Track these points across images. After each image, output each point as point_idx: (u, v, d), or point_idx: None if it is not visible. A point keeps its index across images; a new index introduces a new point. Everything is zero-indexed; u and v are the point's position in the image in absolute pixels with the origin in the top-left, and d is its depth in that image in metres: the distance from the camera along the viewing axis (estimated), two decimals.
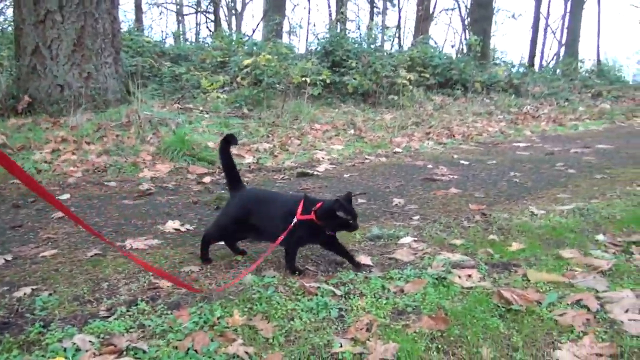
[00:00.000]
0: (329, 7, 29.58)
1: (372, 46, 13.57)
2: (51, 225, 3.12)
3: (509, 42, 54.21)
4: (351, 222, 2.30)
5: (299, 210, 2.33)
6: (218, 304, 1.97)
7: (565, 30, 24.95)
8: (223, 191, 4.14)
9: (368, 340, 1.75)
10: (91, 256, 2.57)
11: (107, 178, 4.44)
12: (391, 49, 21.17)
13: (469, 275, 2.35)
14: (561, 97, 12.64)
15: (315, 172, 4.93)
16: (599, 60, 25.56)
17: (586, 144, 6.80)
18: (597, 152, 6.19)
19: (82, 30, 6.21)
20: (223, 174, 2.67)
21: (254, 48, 11.38)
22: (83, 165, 4.71)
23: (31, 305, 1.98)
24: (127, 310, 1.91)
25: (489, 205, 3.75)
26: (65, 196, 3.83)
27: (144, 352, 1.63)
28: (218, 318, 1.86)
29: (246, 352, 1.64)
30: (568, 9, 24.45)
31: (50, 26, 6.06)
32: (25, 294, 2.09)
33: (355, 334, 1.79)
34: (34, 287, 2.16)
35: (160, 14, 35.62)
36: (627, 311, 2.09)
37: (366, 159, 5.68)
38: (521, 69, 16.33)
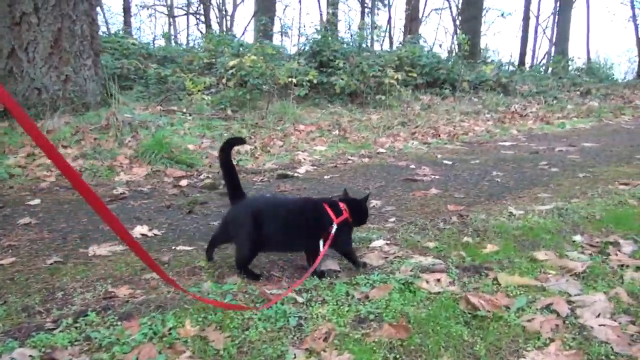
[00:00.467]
0: (320, 7, 29.57)
1: (363, 46, 13.53)
2: (15, 232, 3.03)
3: (502, 41, 54.30)
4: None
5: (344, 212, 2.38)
6: (172, 313, 1.89)
7: (555, 29, 25.01)
8: (198, 194, 4.06)
9: (323, 350, 1.68)
10: (50, 264, 2.48)
11: None
12: (381, 48, 21.16)
13: (438, 280, 2.28)
14: (550, 96, 12.62)
15: (296, 174, 4.86)
16: (589, 59, 25.66)
17: (572, 143, 6.76)
18: (582, 151, 6.14)
19: (59, 33, 6.10)
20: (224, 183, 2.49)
21: (240, 49, 11.30)
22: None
23: None
24: (75, 322, 1.82)
25: (467, 205, 3.69)
26: (36, 201, 3.74)
27: None
28: (170, 329, 1.78)
29: None
30: (557, 8, 24.49)
31: (26, 28, 5.94)
32: None
33: (311, 344, 1.72)
34: None
35: (149, 15, 35.43)
36: (598, 316, 2.03)
37: (349, 159, 5.61)
38: (510, 68, 16.32)
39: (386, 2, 30.15)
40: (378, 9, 31.10)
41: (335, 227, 2.28)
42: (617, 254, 2.68)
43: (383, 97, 10.41)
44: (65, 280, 2.28)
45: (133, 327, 1.77)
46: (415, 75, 11.71)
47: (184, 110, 7.81)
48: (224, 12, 29.41)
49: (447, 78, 12.59)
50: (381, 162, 5.55)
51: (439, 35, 48.27)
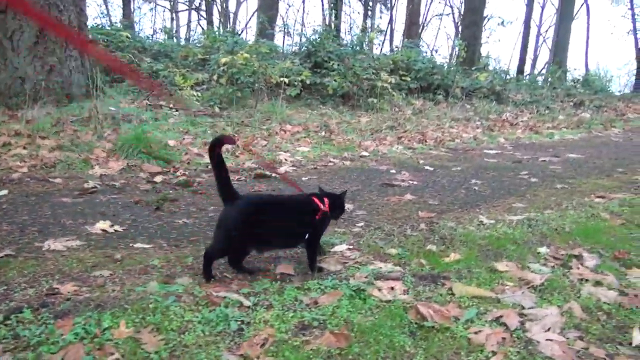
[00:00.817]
0: (323, 8, 29.57)
1: (357, 48, 13.51)
2: None
3: (505, 50, 54.47)
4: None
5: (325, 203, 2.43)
6: (109, 313, 1.84)
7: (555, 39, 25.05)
8: (171, 191, 4.01)
9: (257, 357, 1.64)
10: (0, 257, 2.43)
11: (54, 174, 4.29)
12: (381, 52, 21.16)
13: (392, 288, 2.25)
14: (542, 105, 12.62)
15: (274, 174, 4.81)
16: (587, 70, 25.74)
17: (556, 153, 6.74)
18: (566, 162, 6.12)
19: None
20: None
21: (235, 47, 11.25)
22: (32, 160, 4.55)
23: None
24: (6, 319, 1.77)
25: (439, 213, 3.65)
26: (3, 192, 3.68)
27: None
28: (104, 329, 1.73)
29: None
30: (558, 19, 24.53)
31: (11, 17, 5.90)
32: None
33: (247, 349, 1.68)
34: None
35: (151, 9, 35.31)
36: (547, 330, 2.00)
37: (330, 161, 5.57)
38: (506, 77, 16.31)
39: (388, 5, 30.22)
40: (381, 12, 31.17)
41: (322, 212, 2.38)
42: (579, 268, 2.65)
43: (375, 100, 10.39)
44: (11, 274, 2.23)
45: (66, 327, 1.73)
46: (408, 79, 11.69)
47: (171, 105, 7.75)
48: (226, 9, 29.35)
49: (441, 83, 12.59)
50: (362, 165, 5.51)
51: (440, 40, 48.44)
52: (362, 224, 3.31)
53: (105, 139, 5.27)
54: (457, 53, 17.54)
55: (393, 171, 5.20)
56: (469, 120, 9.81)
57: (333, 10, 20.77)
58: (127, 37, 12.00)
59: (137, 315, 1.84)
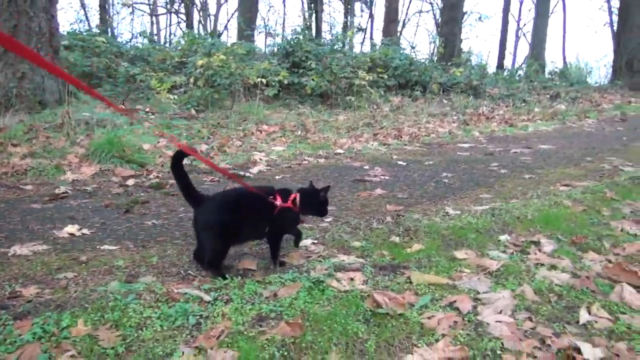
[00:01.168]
0: (303, 8, 29.65)
1: (335, 47, 13.59)
2: None
3: (487, 44, 54.98)
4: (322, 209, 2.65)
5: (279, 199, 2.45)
6: (68, 313, 1.88)
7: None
8: (143, 194, 4.04)
9: (212, 348, 1.68)
10: None
11: (25, 181, 4.29)
12: (361, 50, 21.26)
13: (352, 279, 2.31)
14: (518, 99, 12.80)
15: (248, 174, 4.86)
16: (564, 63, 26.11)
17: (529, 145, 6.87)
18: (536, 153, 6.25)
19: (15, 29, 6.03)
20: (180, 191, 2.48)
21: (212, 48, 11.25)
22: (2, 168, 4.54)
23: None
24: None
25: (407, 206, 3.73)
26: None
27: None
28: (62, 328, 1.77)
29: None
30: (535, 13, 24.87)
31: None
32: None
33: (202, 342, 1.72)
34: None
35: (130, 13, 35.06)
36: (500, 312, 2.07)
37: (305, 160, 5.63)
38: (484, 71, 16.50)
39: (368, 2, 30.34)
40: (362, 10, 31.29)
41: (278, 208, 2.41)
42: (536, 253, 2.74)
43: (352, 99, 10.47)
44: None
45: (25, 327, 1.76)
46: (385, 76, 11.79)
47: (147, 109, 7.75)
48: (207, 12, 29.23)
49: (418, 80, 12.72)
50: (337, 162, 5.58)
51: (421, 37, 48.73)
52: (330, 219, 3.37)
53: (79, 144, 5.27)
54: (436, 49, 17.76)
55: (366, 167, 5.27)
56: (446, 115, 9.93)
57: (312, 10, 20.85)
58: (103, 42, 11.95)
59: (96, 313, 1.87)
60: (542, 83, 15.81)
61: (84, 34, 13.28)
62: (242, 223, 2.38)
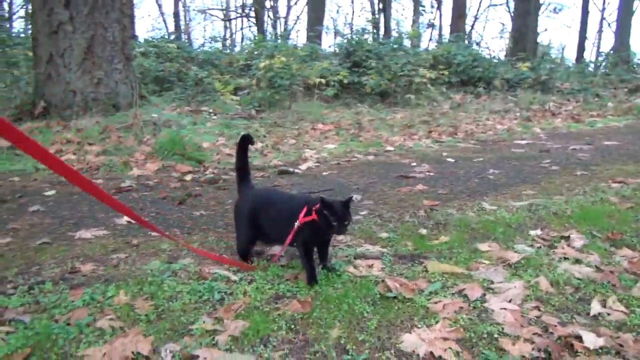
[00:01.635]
0: (372, 6, 29.75)
1: (397, 45, 13.59)
2: (23, 217, 3.43)
3: (568, 36, 52.18)
4: (334, 224, 2.18)
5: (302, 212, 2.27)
6: (114, 285, 2.17)
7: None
8: (197, 188, 4.37)
9: (228, 319, 1.90)
10: (39, 244, 2.84)
11: (97, 176, 4.77)
12: (428, 47, 21.02)
13: (370, 266, 2.45)
14: (591, 93, 12.19)
15: (296, 170, 5.08)
16: None
17: (591, 141, 6.61)
18: (597, 149, 6.01)
19: (92, 40, 6.64)
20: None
21: (274, 51, 11.67)
22: (79, 164, 5.07)
23: None
24: (31, 289, 2.14)
25: (445, 201, 3.79)
26: (52, 192, 4.16)
27: (24, 323, 1.85)
28: (107, 297, 2.06)
29: (111, 326, 1.83)
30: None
31: (62, 36, 6.52)
32: None
33: (221, 314, 1.95)
34: None
35: (205, 19, 36.70)
36: (510, 301, 2.14)
37: (354, 157, 5.78)
38: (555, 66, 15.80)
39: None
40: (432, 6, 30.90)
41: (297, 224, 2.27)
42: (563, 248, 2.74)
43: (412, 97, 10.47)
44: (45, 257, 2.62)
45: (77, 295, 2.07)
46: (446, 73, 11.66)
47: (211, 110, 8.22)
48: (277, 14, 30.04)
49: (482, 76, 12.47)
50: (385, 159, 5.68)
51: (494, 32, 47.24)
52: (365, 212, 3.51)
53: (145, 143, 5.74)
54: (507, 44, 17.24)
55: (414, 164, 5.34)
56: (508, 112, 9.70)
57: (380, 9, 20.88)
58: (175, 48, 12.73)
59: (136, 286, 2.16)
60: (620, 76, 14.90)
61: (158, 40, 14.21)
62: (267, 222, 2.44)
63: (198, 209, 3.68)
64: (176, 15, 22.11)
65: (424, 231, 3.01)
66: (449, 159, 5.58)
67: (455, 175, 4.77)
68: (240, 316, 1.93)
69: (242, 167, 2.70)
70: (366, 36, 14.15)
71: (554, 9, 26.65)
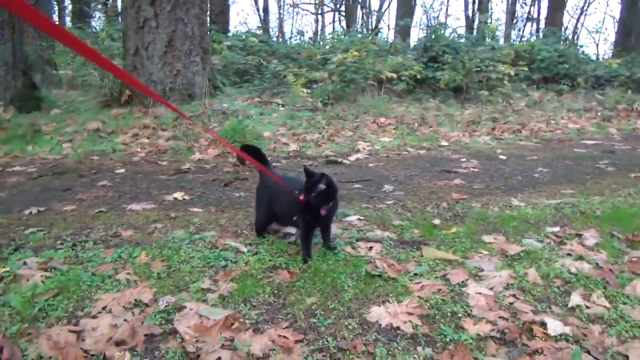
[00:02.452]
0: (466, 3, 29.11)
1: (479, 40, 13.26)
2: (91, 190, 3.98)
3: None
4: (309, 197, 2.33)
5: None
6: (140, 248, 2.54)
7: None
8: (246, 173, 4.73)
9: (224, 281, 2.19)
10: (96, 212, 3.32)
11: (164, 158, 5.30)
12: (521, 41, 20.16)
13: (370, 248, 2.63)
14: None
15: (345, 161, 5.30)
16: None
17: None
18: None
19: (173, 34, 7.27)
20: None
21: (350, 45, 11.88)
22: (151, 147, 5.65)
23: (23, 238, 2.74)
24: (74, 246, 2.57)
25: (475, 195, 3.83)
26: (122, 170, 4.73)
27: (61, 270, 2.26)
28: (132, 257, 2.43)
29: (127, 279, 2.19)
30: None
31: (147, 31, 7.20)
32: (30, 231, 2.87)
33: (219, 277, 2.24)
34: (39, 228, 2.93)
35: (297, 13, 37.66)
36: (492, 288, 2.23)
37: (406, 151, 5.88)
38: None
39: None
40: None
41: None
42: (572, 245, 2.73)
43: (486, 93, 10.22)
44: (97, 223, 3.08)
45: (109, 253, 2.46)
46: (525, 69, 11.22)
47: (279, 101, 8.62)
48: (370, 9, 30.17)
49: (567, 73, 11.85)
50: (436, 154, 5.73)
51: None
52: (391, 201, 3.66)
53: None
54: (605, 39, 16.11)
55: (463, 160, 5.34)
56: (588, 111, 9.18)
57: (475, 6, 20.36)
58: (258, 42, 13.39)
59: (157, 250, 2.51)
60: None
61: (245, 34, 14.95)
62: (276, 206, 2.66)
63: (240, 191, 4.03)
64: (265, 10, 23.01)
65: (437, 221, 3.11)
66: (501, 156, 5.51)
67: (500, 172, 4.74)
68: (235, 280, 2.21)
69: (260, 159, 2.87)
70: (448, 31, 13.95)
71: None
